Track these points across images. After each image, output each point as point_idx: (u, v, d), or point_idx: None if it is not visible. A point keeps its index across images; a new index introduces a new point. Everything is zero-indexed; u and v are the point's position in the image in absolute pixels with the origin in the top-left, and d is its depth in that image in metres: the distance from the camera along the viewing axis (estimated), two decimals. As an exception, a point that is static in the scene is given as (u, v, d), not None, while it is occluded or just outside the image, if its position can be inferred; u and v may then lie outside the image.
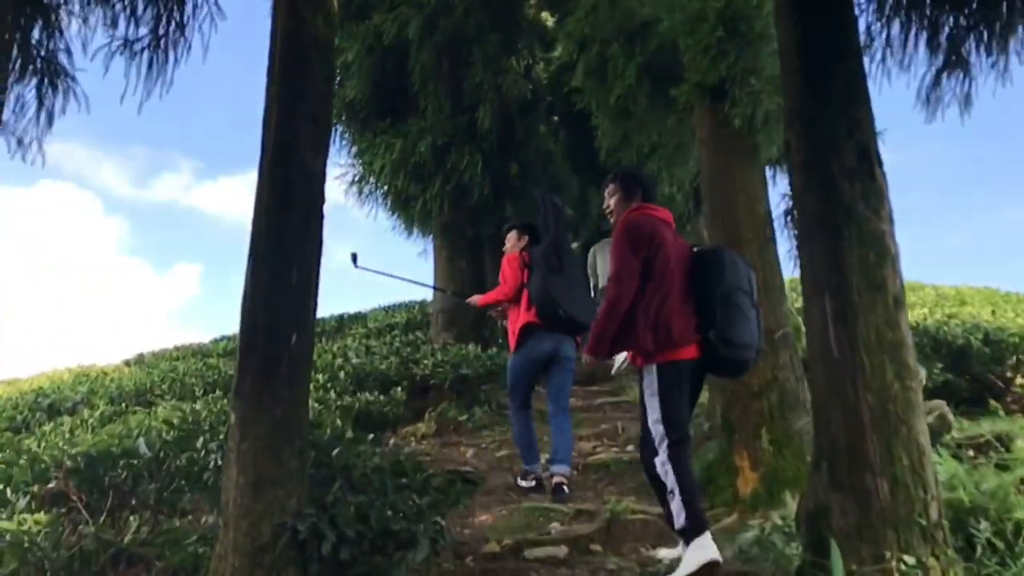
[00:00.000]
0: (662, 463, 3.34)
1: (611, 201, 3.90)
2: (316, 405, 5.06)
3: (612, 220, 3.89)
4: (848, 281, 3.01)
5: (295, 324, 3.18)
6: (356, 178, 10.00)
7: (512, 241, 5.72)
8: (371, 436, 4.14)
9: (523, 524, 5.02)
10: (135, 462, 3.45)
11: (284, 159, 3.33)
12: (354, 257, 5.26)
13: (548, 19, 13.14)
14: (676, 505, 3.27)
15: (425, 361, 7.85)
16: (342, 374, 7.11)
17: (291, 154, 3.34)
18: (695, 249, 3.68)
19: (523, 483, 5.50)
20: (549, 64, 14.15)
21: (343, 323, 15.22)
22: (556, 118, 13.86)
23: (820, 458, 3.01)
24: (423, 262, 11.41)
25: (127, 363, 15.26)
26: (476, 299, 5.88)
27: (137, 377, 9.61)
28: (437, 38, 9.03)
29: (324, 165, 3.49)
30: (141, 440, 3.58)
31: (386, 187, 9.50)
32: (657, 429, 3.39)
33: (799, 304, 4.81)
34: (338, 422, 4.49)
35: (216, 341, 15.78)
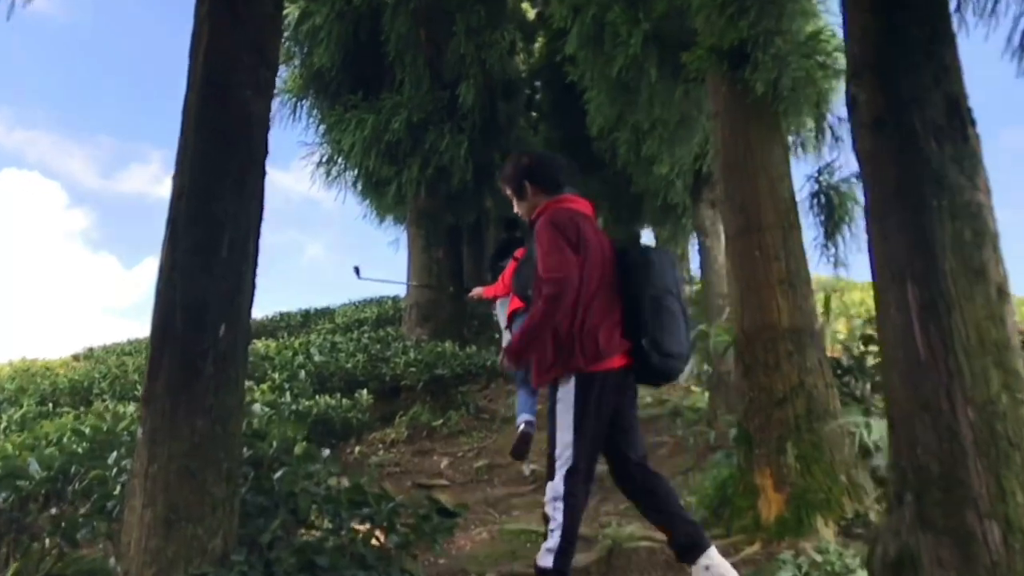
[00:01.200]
0: (554, 492, 2.91)
1: (521, 208, 3.37)
2: (266, 410, 4.36)
3: (529, 218, 3.34)
4: (939, 264, 2.39)
5: (225, 310, 2.49)
6: (323, 158, 9.27)
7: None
8: (327, 451, 3.43)
9: (507, 551, 4.38)
10: (22, 484, 2.75)
11: (216, 97, 2.64)
12: (356, 270, 5.21)
13: (528, 10, 12.68)
14: (552, 543, 2.86)
15: (396, 360, 7.17)
16: (302, 373, 6.41)
17: (225, 91, 2.65)
18: (620, 247, 3.27)
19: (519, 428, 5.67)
20: (530, 55, 13.95)
21: (309, 318, 14.48)
22: (535, 114, 13.76)
23: (903, 489, 2.38)
24: (393, 253, 10.72)
25: (75, 357, 14.38)
26: (479, 291, 5.96)
27: (78, 373, 8.81)
28: (415, 4, 8.33)
29: (268, 108, 2.80)
30: (32, 459, 2.88)
31: (356, 168, 8.78)
32: (565, 452, 2.93)
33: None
34: (289, 432, 3.79)
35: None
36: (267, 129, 2.81)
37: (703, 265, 6.89)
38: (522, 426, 5.85)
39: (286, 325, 14.21)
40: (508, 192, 3.41)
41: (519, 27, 11.95)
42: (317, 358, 7.24)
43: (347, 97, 8.69)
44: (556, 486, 2.91)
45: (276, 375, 6.29)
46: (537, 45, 14.45)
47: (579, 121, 10.36)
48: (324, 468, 3.22)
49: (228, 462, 2.49)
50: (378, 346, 7.98)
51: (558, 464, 2.95)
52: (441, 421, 7.01)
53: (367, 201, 9.74)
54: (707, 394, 7.57)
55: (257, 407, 4.49)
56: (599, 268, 3.09)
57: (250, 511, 2.79)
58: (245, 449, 3.25)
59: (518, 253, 5.89)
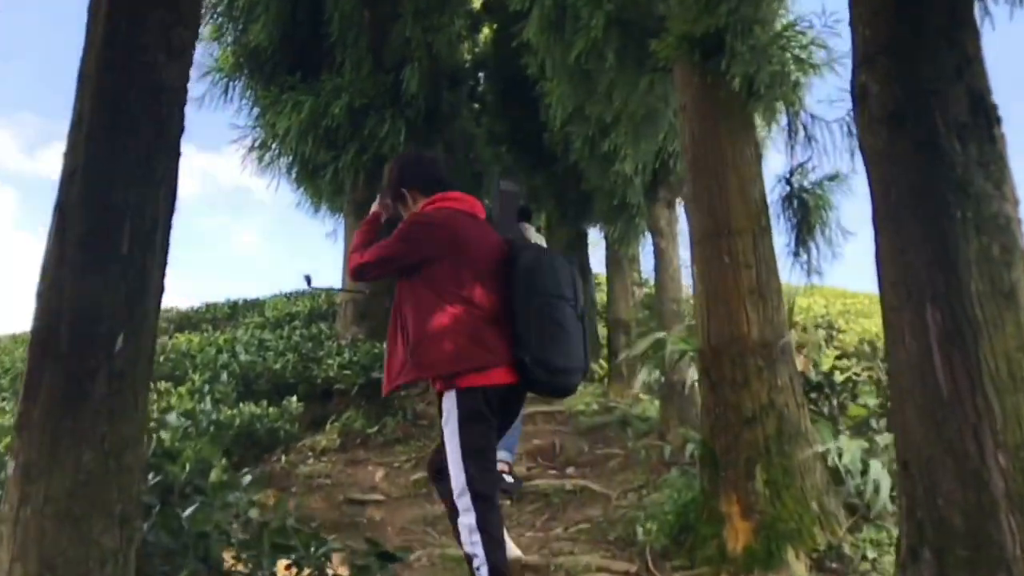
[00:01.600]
0: (468, 528, 2.75)
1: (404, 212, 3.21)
2: (183, 421, 3.87)
3: None
4: (965, 285, 2.09)
5: (123, 317, 2.04)
6: (256, 142, 8.68)
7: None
8: (248, 477, 2.98)
9: (450, 581, 3.99)
10: None
11: (118, 61, 2.18)
12: (308, 279, 4.83)
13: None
14: None
15: (329, 361, 6.70)
16: (225, 375, 5.88)
17: (130, 54, 2.19)
18: (513, 250, 3.10)
19: None
20: (475, 45, 13.44)
21: (237, 310, 13.81)
22: (477, 105, 13.43)
23: (919, 544, 2.07)
24: (331, 244, 10.22)
25: (-22, 346, 13.41)
26: None
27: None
28: (360, -18, 7.84)
29: (185, 76, 2.35)
30: None
31: (291, 154, 8.23)
32: (459, 478, 2.79)
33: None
34: (205, 451, 3.33)
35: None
36: (183, 101, 2.36)
37: (657, 268, 6.60)
38: None
39: (212, 317, 13.52)
40: (393, 206, 3.24)
41: (466, 16, 11.49)
42: (243, 357, 6.72)
43: (284, 78, 8.13)
44: (466, 522, 2.76)
45: (197, 376, 5.76)
46: (482, 36, 14.28)
47: (526, 113, 10.10)
48: (244, 498, 2.77)
49: (122, 503, 2.04)
50: (310, 345, 7.49)
51: (456, 495, 2.80)
52: (376, 428, 6.57)
53: (302, 189, 9.18)
54: (658, 403, 7.30)
55: (172, 417, 4.00)
56: (475, 269, 2.93)
57: (152, 554, 2.34)
58: (152, 475, 2.79)
59: None
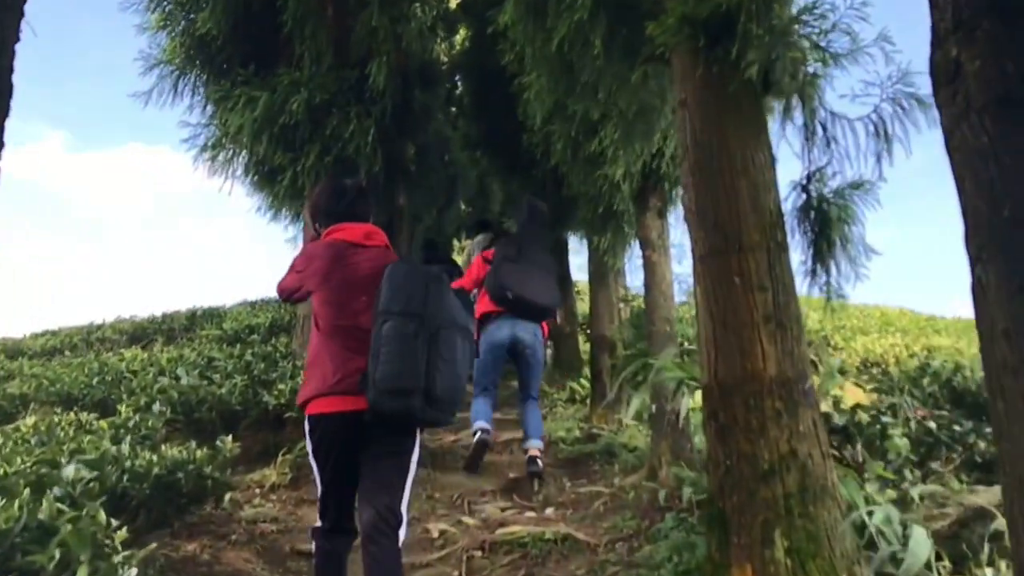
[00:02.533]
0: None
1: None
2: (84, 473, 3.17)
3: None
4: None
5: None
6: (209, 142, 7.96)
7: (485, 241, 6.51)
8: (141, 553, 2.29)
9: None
10: None
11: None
12: None
13: (452, -1, 11.81)
14: None
15: (281, 385, 6.00)
16: (157, 405, 5.17)
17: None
18: None
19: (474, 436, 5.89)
20: (452, 47, 13.27)
21: (196, 320, 13.02)
22: (454, 109, 13.60)
23: None
24: (292, 251, 9.49)
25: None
26: None
27: None
28: (318, -35, 7.16)
29: (11, 58, 1.69)
30: None
31: (246, 154, 7.53)
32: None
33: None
34: (101, 515, 2.65)
35: (36, 336, 13.24)
36: (7, 83, 1.69)
37: (647, 283, 5.97)
38: (478, 434, 5.92)
39: (168, 328, 12.74)
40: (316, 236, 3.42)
41: (441, 16, 10.91)
42: (185, 380, 5.99)
43: (237, 72, 7.42)
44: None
45: (123, 407, 5.04)
46: (458, 37, 13.71)
47: (503, 114, 9.49)
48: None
49: None
50: (262, 365, 6.78)
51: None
52: (333, 462, 5.85)
53: (260, 192, 8.47)
54: (646, 432, 6.67)
55: (70, 470, 3.30)
56: (351, 297, 2.99)
57: None
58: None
59: (487, 254, 6.14)
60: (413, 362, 2.71)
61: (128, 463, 3.58)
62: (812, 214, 3.91)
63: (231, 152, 7.87)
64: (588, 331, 10.39)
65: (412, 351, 2.72)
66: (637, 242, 6.21)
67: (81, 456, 3.61)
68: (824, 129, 3.98)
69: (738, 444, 3.35)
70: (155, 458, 3.66)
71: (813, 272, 3.89)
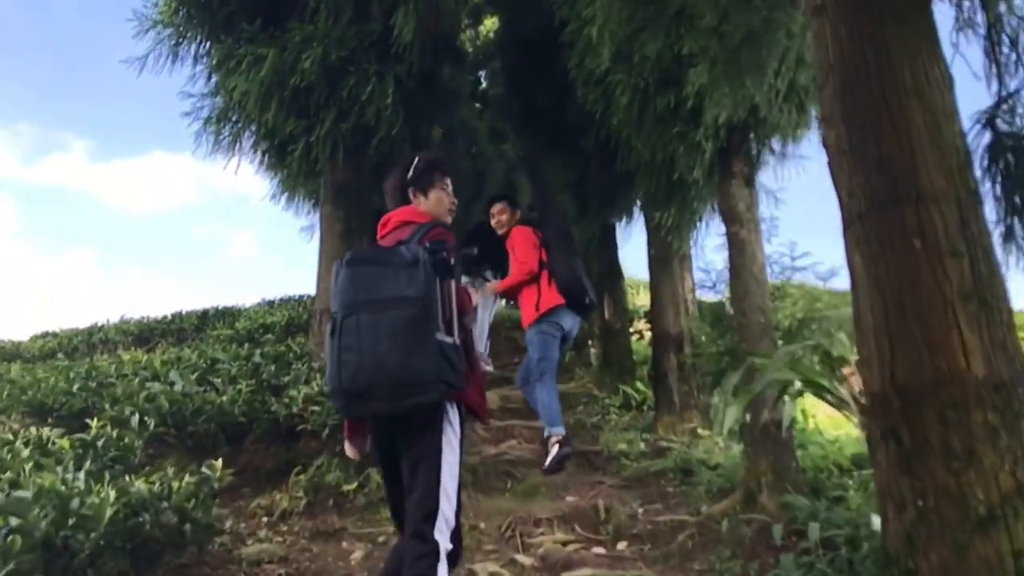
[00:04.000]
0: None
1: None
2: (29, 517, 2.24)
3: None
4: None
5: None
6: (214, 113, 7.06)
7: (506, 214, 5.85)
8: None
9: None
10: None
11: None
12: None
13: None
14: None
15: (293, 392, 5.08)
16: (135, 419, 4.25)
17: None
18: None
19: (556, 452, 5.41)
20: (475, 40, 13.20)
21: (207, 320, 12.15)
22: (478, 105, 13.44)
23: None
24: (306, 242, 8.61)
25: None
26: (493, 286, 5.90)
27: None
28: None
29: None
30: None
31: (253, 124, 6.62)
32: None
33: None
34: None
35: (35, 338, 12.45)
36: None
37: (734, 265, 4.97)
38: (557, 447, 5.45)
39: (178, 329, 11.89)
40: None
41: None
42: (179, 386, 5.08)
43: (241, 28, 6.51)
44: None
45: (95, 421, 4.12)
46: (484, 28, 13.32)
47: (544, 86, 8.69)
48: None
49: None
50: (273, 367, 5.85)
51: None
52: (355, 485, 4.95)
53: (274, 175, 7.57)
54: (726, 446, 5.66)
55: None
56: None
57: None
58: None
59: (533, 235, 5.71)
60: (329, 362, 2.55)
61: (76, 502, 2.66)
62: (1003, 156, 2.90)
63: (237, 124, 6.96)
64: (649, 327, 9.39)
65: (328, 352, 2.57)
66: (718, 217, 5.18)
67: (16, 491, 2.69)
68: (1015, 43, 2.98)
69: (934, 476, 2.36)
70: (113, 494, 2.72)
71: (1006, 234, 2.87)
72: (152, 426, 4.40)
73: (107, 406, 4.96)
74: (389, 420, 2.58)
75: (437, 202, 3.03)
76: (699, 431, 6.26)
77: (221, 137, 7.08)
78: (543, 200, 8.04)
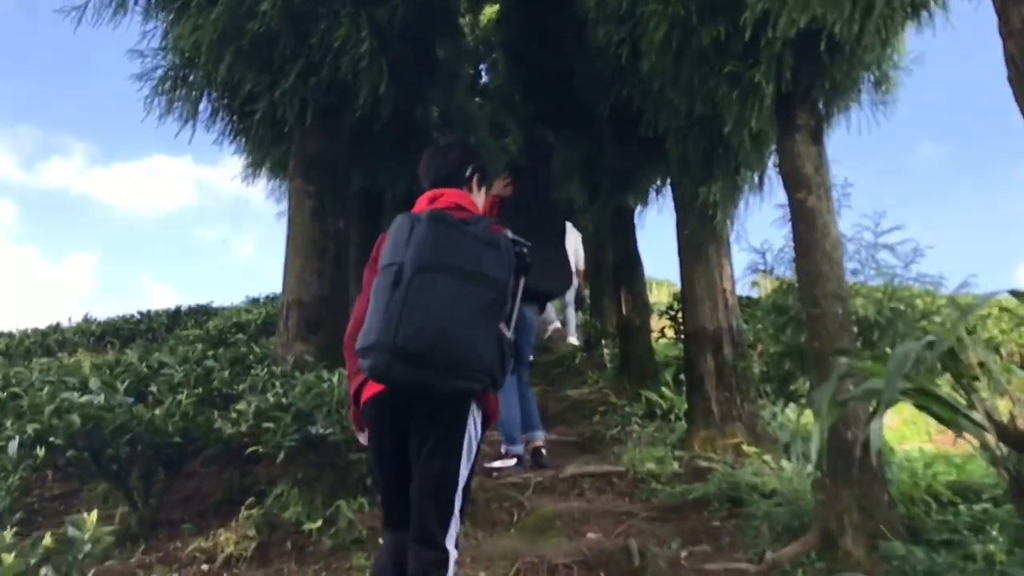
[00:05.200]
0: None
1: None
2: None
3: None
4: None
5: None
6: (167, 72, 6.05)
7: (498, 186, 5.05)
8: None
9: None
10: None
11: None
12: None
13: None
14: None
15: (240, 406, 4.10)
16: (15, 444, 3.25)
17: None
18: None
19: (501, 463, 5.14)
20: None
21: (179, 319, 11.15)
22: (478, 100, 12.99)
23: None
24: (278, 228, 7.61)
25: None
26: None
27: None
28: None
29: None
30: None
31: (207, 81, 5.64)
32: None
33: None
34: None
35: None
36: None
37: (801, 244, 3.99)
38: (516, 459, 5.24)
39: (148, 329, 10.87)
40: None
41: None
42: (100, 398, 4.08)
43: (191, -31, 5.51)
44: None
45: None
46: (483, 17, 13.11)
47: (554, 48, 7.76)
48: None
49: None
50: (226, 373, 4.87)
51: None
52: (321, 521, 3.96)
53: (237, 143, 6.57)
54: (793, 468, 4.65)
55: None
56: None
57: None
58: None
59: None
60: (381, 315, 2.28)
61: None
62: None
63: (194, 85, 5.96)
64: (671, 325, 8.37)
65: (383, 304, 2.29)
66: (784, 184, 4.17)
67: None
68: None
69: None
70: None
71: None
72: (40, 452, 3.41)
73: (9, 423, 3.96)
74: (410, 401, 2.40)
75: (482, 199, 2.93)
76: (744, 447, 5.24)
77: (175, 102, 6.08)
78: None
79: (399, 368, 2.24)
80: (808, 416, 4.44)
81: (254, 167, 6.70)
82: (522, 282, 2.48)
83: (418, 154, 8.67)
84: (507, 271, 2.39)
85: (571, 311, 10.61)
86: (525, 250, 2.48)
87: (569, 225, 10.81)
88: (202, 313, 11.36)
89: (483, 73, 14.12)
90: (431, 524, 2.35)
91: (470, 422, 2.44)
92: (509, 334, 2.42)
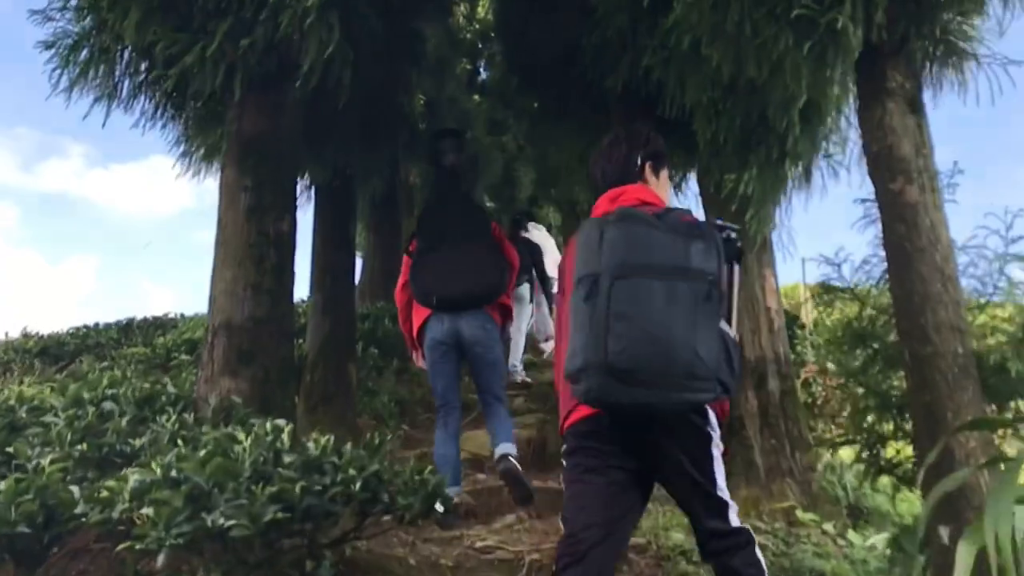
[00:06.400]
0: None
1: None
2: None
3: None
4: None
5: None
6: (93, 52, 4.93)
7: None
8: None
9: None
10: None
11: None
12: None
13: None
14: None
15: (110, 483, 3.01)
16: None
17: None
18: None
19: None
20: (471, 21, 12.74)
21: (130, 333, 10.01)
22: (476, 97, 13.12)
23: None
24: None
25: None
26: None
27: None
28: None
29: None
30: None
31: (123, 45, 4.56)
32: None
33: None
34: None
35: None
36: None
37: (897, 250, 2.90)
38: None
39: (95, 344, 9.67)
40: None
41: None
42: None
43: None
44: None
45: None
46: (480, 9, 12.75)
47: (547, 35, 6.80)
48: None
49: None
50: (125, 422, 3.78)
51: None
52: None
53: (160, 113, 5.42)
54: (839, 530, 3.58)
55: None
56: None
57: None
58: None
59: None
60: (585, 333, 2.16)
61: None
62: None
63: (108, 51, 4.85)
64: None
65: (584, 320, 2.18)
66: (867, 165, 3.08)
67: None
68: None
69: None
70: None
71: None
72: None
73: None
74: (639, 422, 2.26)
75: (666, 186, 2.72)
76: (798, 513, 4.15)
77: (89, 73, 4.97)
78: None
79: (615, 387, 2.11)
80: (912, 501, 3.35)
81: (185, 156, 5.56)
82: (737, 271, 2.37)
83: (396, 147, 7.52)
84: (716, 261, 2.21)
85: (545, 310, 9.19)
86: (734, 235, 2.36)
87: (531, 224, 9.58)
88: (156, 327, 10.23)
89: (481, 70, 14.01)
90: (715, 519, 2.26)
91: (713, 434, 2.30)
92: (733, 332, 2.30)
